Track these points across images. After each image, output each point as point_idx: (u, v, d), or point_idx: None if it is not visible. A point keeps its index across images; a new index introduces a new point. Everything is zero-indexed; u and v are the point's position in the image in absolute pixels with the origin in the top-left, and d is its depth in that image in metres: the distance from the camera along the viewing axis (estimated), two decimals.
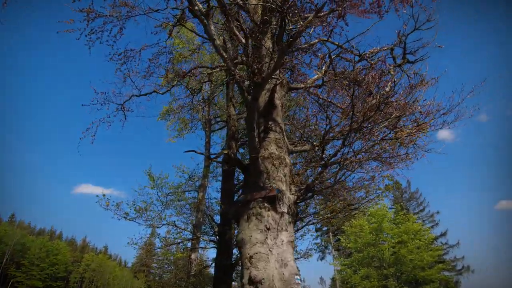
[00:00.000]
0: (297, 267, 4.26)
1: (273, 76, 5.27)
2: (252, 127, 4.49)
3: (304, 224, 8.17)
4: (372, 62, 6.61)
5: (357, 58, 6.58)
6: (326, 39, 7.10)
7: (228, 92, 10.52)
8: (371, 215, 19.45)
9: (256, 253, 4.10)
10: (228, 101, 10.36)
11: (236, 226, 10.44)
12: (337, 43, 6.97)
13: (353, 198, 6.60)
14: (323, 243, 34.89)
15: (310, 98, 6.42)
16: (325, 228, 31.53)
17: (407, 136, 4.78)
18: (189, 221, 12.28)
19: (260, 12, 5.56)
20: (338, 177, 4.66)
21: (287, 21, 3.97)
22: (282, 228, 4.42)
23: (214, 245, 10.54)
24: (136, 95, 8.57)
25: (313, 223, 8.36)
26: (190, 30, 9.31)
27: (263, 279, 3.83)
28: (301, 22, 4.08)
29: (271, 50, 4.38)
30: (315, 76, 6.70)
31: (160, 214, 11.06)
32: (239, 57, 5.94)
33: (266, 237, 4.28)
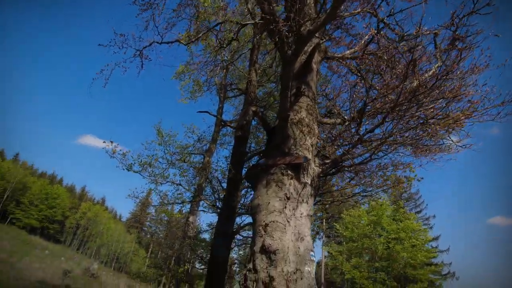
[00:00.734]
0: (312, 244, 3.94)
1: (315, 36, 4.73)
2: (287, 85, 4.01)
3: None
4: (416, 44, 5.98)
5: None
6: (370, 10, 6.46)
7: (252, 56, 9.92)
8: (372, 207, 19.23)
9: (273, 222, 3.75)
10: (251, 65, 9.78)
11: (244, 193, 10.24)
12: (381, 18, 6.34)
13: (370, 183, 6.18)
14: (316, 228, 35.16)
15: (346, 70, 5.85)
16: (319, 214, 31.66)
17: (455, 121, 4.27)
18: (192, 184, 12.09)
19: None
20: (369, 156, 4.22)
21: None
22: (303, 200, 4.05)
23: (214, 211, 10.37)
24: (158, 42, 8.02)
25: (321, 203, 8.03)
26: None
27: (278, 249, 3.50)
28: None
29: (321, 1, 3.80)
30: (353, 49, 6.11)
31: (164, 172, 10.84)
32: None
33: (285, 207, 3.91)
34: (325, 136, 5.19)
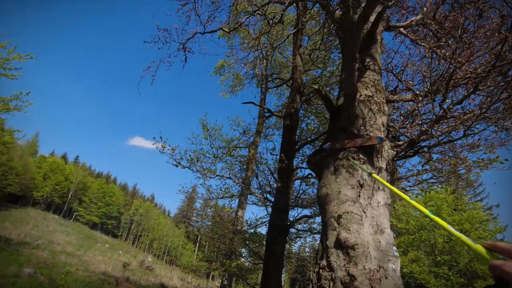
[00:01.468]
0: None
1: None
2: (354, 56, 3.48)
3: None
4: None
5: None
6: None
7: (296, 40, 9.38)
8: (428, 197, 17.71)
9: (347, 213, 3.29)
10: (295, 49, 9.26)
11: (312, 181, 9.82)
12: None
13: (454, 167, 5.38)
14: None
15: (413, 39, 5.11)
16: None
17: None
18: (239, 178, 11.94)
19: None
20: (464, 132, 3.54)
21: None
22: (378, 187, 3.52)
23: (263, 204, 10.09)
24: (200, 33, 7.86)
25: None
26: None
27: (357, 244, 3.03)
28: None
29: None
30: (419, 14, 5.33)
31: (210, 167, 10.80)
32: None
33: (359, 195, 3.42)
34: (398, 114, 4.56)
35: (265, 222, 9.35)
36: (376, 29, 4.30)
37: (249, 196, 12.11)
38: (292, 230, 9.35)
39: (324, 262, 3.18)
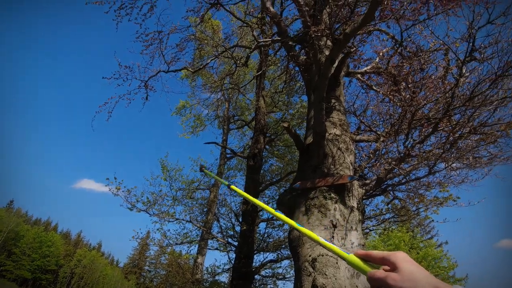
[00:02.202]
0: None
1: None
2: (322, 96, 3.56)
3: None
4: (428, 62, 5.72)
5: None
6: (382, 29, 6.28)
7: (260, 83, 9.69)
8: (387, 236, 18.18)
9: (322, 255, 3.09)
10: (259, 91, 9.51)
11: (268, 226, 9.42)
12: (392, 35, 6.15)
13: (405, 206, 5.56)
14: None
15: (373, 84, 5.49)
16: None
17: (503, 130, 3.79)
18: (199, 221, 11.28)
19: None
20: (429, 170, 3.67)
21: None
22: (351, 227, 3.42)
23: (225, 249, 9.49)
24: (164, 71, 7.77)
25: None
26: (228, 11, 8.58)
27: None
28: None
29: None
30: (375, 62, 5.82)
31: (169, 210, 10.12)
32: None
33: (333, 236, 3.28)
34: (362, 154, 4.68)
35: (227, 269, 8.72)
36: (340, 73, 4.54)
37: (209, 241, 11.39)
38: (257, 276, 8.78)
39: None
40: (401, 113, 3.85)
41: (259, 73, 8.42)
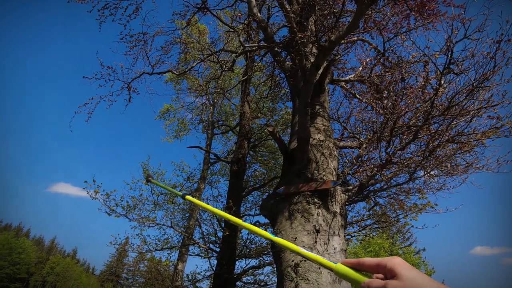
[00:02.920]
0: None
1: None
2: (307, 102, 3.60)
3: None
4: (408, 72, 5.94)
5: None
6: (365, 39, 6.47)
7: (245, 89, 9.71)
8: (368, 242, 18.48)
9: (304, 261, 3.09)
10: (244, 97, 9.53)
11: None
12: (375, 45, 6.34)
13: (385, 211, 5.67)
14: None
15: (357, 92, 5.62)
16: None
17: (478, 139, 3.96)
18: (180, 226, 11.07)
19: None
20: (409, 176, 3.76)
21: None
22: (334, 232, 3.44)
23: (207, 256, 9.33)
24: (148, 73, 7.64)
25: None
26: (215, 15, 8.60)
27: None
28: None
29: (339, 9, 3.58)
30: (358, 71, 5.97)
31: (149, 215, 9.89)
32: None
33: (315, 241, 3.29)
34: (345, 160, 4.75)
35: (208, 276, 8.55)
36: (325, 80, 4.61)
37: (191, 247, 11.18)
38: (238, 283, 8.66)
39: None
40: (383, 121, 3.94)
41: (244, 78, 8.44)
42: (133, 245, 9.71)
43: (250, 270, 8.12)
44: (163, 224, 8.29)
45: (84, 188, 7.57)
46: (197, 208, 11.79)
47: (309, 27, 4.61)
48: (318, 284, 2.92)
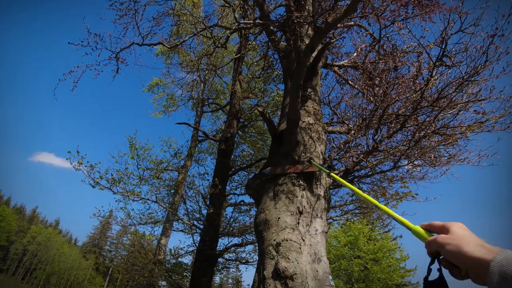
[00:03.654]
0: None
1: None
2: (300, 84, 3.56)
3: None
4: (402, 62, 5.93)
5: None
6: (362, 25, 6.39)
7: (237, 67, 9.53)
8: (348, 227, 19.07)
9: (286, 240, 3.16)
10: (235, 76, 9.37)
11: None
12: (371, 32, 6.28)
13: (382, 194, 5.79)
14: None
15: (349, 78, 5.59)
16: None
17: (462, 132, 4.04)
18: (165, 202, 11.11)
19: None
20: (394, 164, 3.84)
21: None
22: (317, 214, 3.51)
23: (190, 232, 9.44)
24: (138, 44, 7.37)
25: None
26: None
27: (296, 274, 2.89)
28: None
29: None
30: (352, 57, 5.93)
31: (134, 189, 9.86)
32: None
33: (298, 222, 3.35)
34: (332, 145, 4.79)
35: (190, 251, 8.69)
36: (318, 63, 4.56)
37: (175, 223, 11.29)
38: (220, 259, 8.86)
39: None
40: (373, 108, 3.96)
41: (237, 56, 8.27)
42: (117, 218, 9.72)
43: (233, 248, 8.30)
44: (148, 199, 8.29)
45: (67, 159, 7.42)
46: (183, 184, 11.81)
47: (307, 7, 4.50)
48: (298, 263, 3.00)
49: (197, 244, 7.22)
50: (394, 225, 29.29)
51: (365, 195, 1.42)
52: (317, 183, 3.66)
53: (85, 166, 7.55)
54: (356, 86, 5.05)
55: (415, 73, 4.73)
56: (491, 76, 4.02)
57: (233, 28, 5.43)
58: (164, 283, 11.27)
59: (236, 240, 8.52)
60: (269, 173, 3.72)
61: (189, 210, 9.48)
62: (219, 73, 12.35)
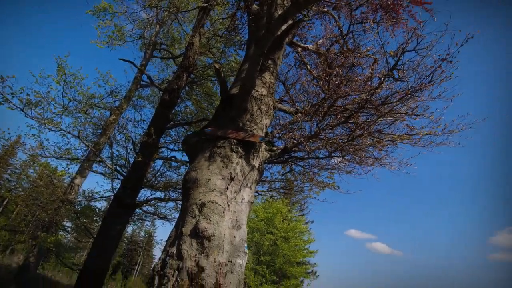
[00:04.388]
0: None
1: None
2: (263, 52, 3.43)
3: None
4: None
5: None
6: (334, 15, 6.44)
7: (201, 18, 8.89)
8: (269, 204, 20.15)
9: (211, 202, 3.14)
10: (197, 27, 8.74)
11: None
12: (340, 25, 6.39)
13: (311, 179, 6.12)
14: None
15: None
16: None
17: (392, 140, 4.45)
18: (89, 140, 10.20)
19: None
20: (329, 154, 4.04)
21: None
22: (247, 184, 3.55)
23: (111, 177, 8.90)
24: None
25: None
26: None
27: (214, 235, 2.91)
28: None
29: None
30: (317, 44, 5.96)
31: (53, 118, 8.81)
32: None
33: (227, 188, 3.35)
34: (279, 122, 4.83)
35: (107, 196, 8.22)
36: (286, 37, 4.46)
37: (95, 165, 10.49)
38: (137, 210, 8.58)
39: (174, 250, 2.90)
40: (324, 98, 4.05)
41: (204, 5, 7.67)
42: (25, 145, 8.61)
43: (154, 201, 8.08)
44: (69, 132, 7.47)
45: None
46: (113, 126, 10.93)
47: None
48: (218, 226, 3.01)
49: (115, 190, 6.83)
50: (310, 210, 32.05)
51: None
52: (255, 154, 3.68)
53: None
54: (313, 72, 5.12)
55: (369, 75, 4.97)
56: (429, 97, 4.43)
57: None
58: (69, 224, 10.57)
59: (159, 194, 8.31)
60: (210, 133, 3.60)
61: (114, 154, 8.88)
62: (180, 18, 11.38)
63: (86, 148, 8.66)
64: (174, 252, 2.89)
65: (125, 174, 7.30)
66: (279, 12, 4.60)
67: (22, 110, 7.19)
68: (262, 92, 4.06)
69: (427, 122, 4.31)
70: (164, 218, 8.91)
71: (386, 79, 4.45)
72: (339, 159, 5.40)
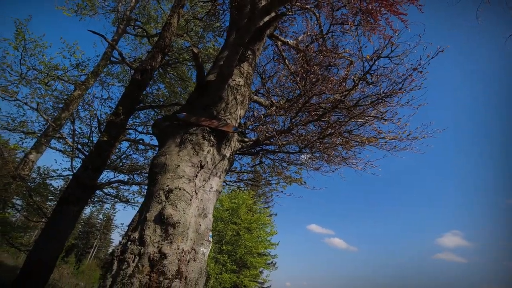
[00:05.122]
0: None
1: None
2: (243, 41, 3.39)
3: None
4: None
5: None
6: (316, 13, 6.51)
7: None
8: (235, 194, 20.23)
9: (179, 189, 3.08)
10: (176, 6, 8.42)
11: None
12: (321, 24, 6.48)
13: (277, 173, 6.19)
14: None
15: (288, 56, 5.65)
16: None
17: (360, 142, 4.63)
18: (48, 114, 9.53)
19: None
20: (299, 149, 4.10)
21: None
22: (216, 173, 3.52)
23: (70, 155, 8.40)
24: None
25: None
26: None
27: (179, 222, 2.87)
28: None
29: None
30: (297, 40, 6.00)
31: (8, 87, 8.13)
32: None
33: (196, 175, 3.30)
34: (254, 114, 4.82)
35: (65, 175, 7.76)
36: (267, 29, 4.43)
37: (53, 141, 9.84)
38: (98, 192, 8.19)
39: (136, 235, 2.82)
40: (299, 94, 4.10)
41: None
42: None
43: (116, 184, 7.77)
44: (26, 103, 6.93)
45: None
46: (77, 102, 10.30)
47: None
48: (184, 213, 2.97)
49: (75, 170, 6.47)
50: (275, 204, 32.64)
51: None
52: (227, 144, 3.65)
53: None
54: (291, 68, 5.16)
55: (344, 77, 5.10)
56: (398, 103, 4.64)
57: None
58: (20, 202, 9.88)
59: (122, 177, 7.98)
60: (182, 119, 3.50)
61: (76, 132, 8.37)
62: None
63: (44, 122, 8.09)
64: (136, 237, 2.82)
65: (87, 153, 6.93)
66: (263, 3, 4.56)
67: None
68: (239, 82, 4.02)
69: (393, 127, 4.52)
70: (127, 201, 8.62)
71: (360, 82, 4.59)
72: (309, 156, 5.53)
